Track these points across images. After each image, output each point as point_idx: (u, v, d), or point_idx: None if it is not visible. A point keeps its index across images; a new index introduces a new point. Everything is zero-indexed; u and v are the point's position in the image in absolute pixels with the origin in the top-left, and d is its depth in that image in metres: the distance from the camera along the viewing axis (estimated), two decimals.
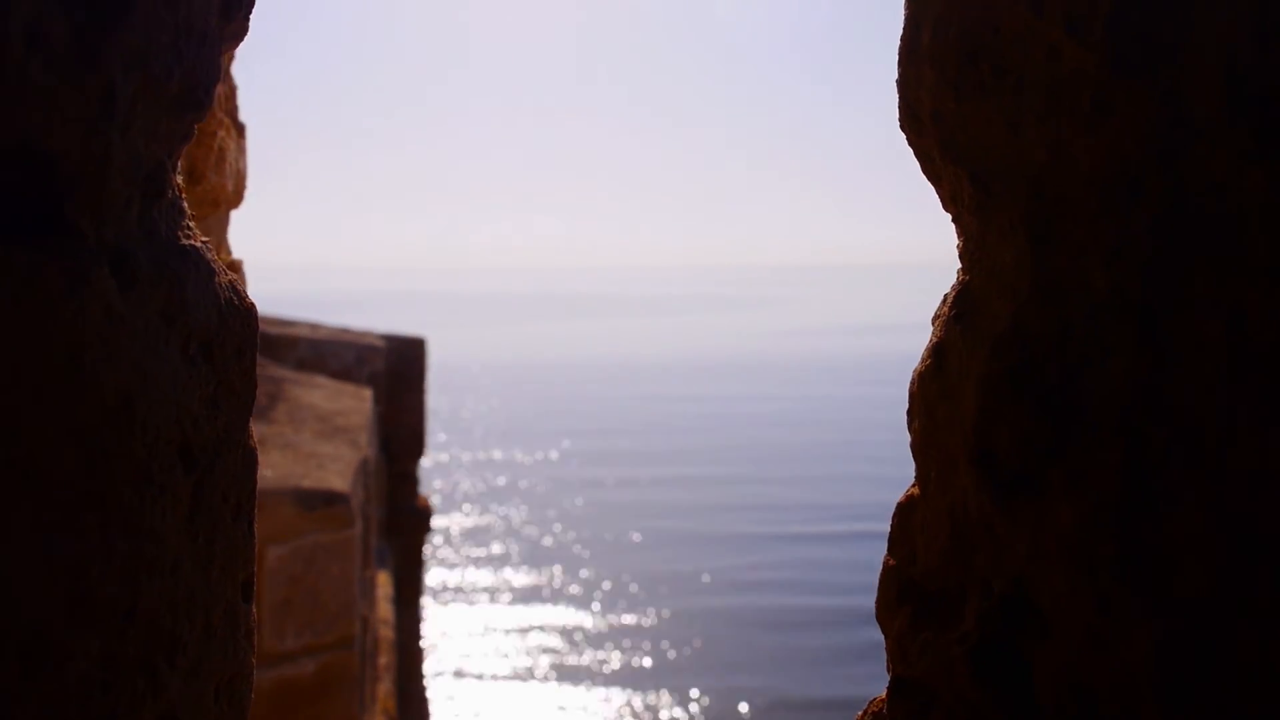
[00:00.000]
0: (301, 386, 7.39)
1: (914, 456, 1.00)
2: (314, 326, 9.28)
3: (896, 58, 0.98)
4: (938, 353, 0.95)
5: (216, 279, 0.86)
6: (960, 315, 0.93)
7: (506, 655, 16.14)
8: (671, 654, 16.09)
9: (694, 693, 14.83)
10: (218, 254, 1.98)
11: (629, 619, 17.54)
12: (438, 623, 16.96)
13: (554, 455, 29.99)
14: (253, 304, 0.92)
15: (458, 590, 18.91)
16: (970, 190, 0.93)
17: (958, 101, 0.92)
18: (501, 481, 27.01)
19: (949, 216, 1.01)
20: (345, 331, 9.57)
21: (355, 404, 7.24)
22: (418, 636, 9.86)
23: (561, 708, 14.59)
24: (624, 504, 24.35)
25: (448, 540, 21.44)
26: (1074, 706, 0.86)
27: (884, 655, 1.11)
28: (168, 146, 0.83)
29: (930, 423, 0.96)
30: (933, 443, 0.96)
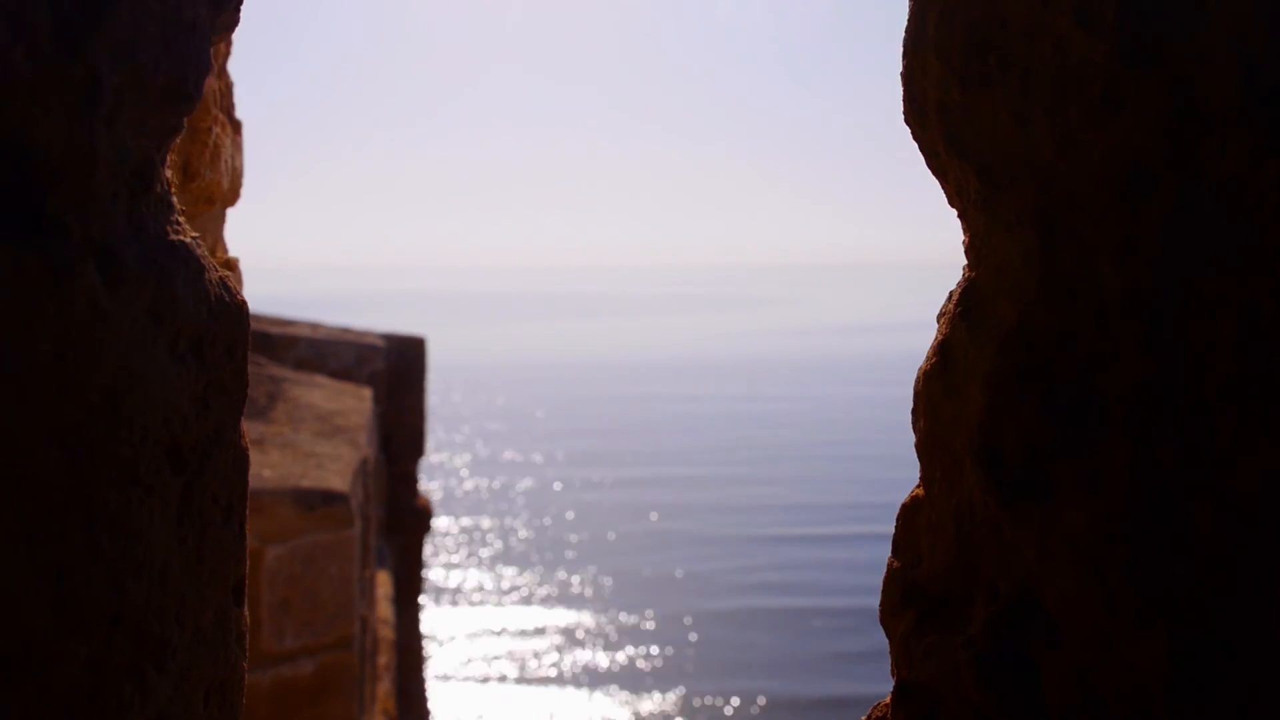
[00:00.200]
0: (301, 386, 7.37)
1: (918, 457, 0.98)
2: (314, 326, 9.27)
3: (901, 50, 0.96)
4: (943, 351, 0.93)
5: (206, 275, 0.84)
6: (966, 312, 0.91)
7: (506, 657, 16.12)
8: (671, 656, 16.07)
9: (695, 695, 14.81)
10: (214, 252, 1.96)
11: (629, 620, 17.52)
12: (438, 625, 16.95)
13: (554, 456, 29.97)
14: (244, 301, 0.90)
15: (456, 592, 18.90)
16: (976, 185, 0.91)
17: (964, 94, 0.90)
18: (500, 482, 27.00)
19: (950, 215, 0.99)
20: (345, 331, 9.55)
21: (355, 404, 7.22)
22: (418, 636, 9.85)
23: (561, 710, 14.56)
24: (625, 505, 24.33)
25: (447, 541, 21.43)
26: (1083, 712, 0.84)
27: (887, 659, 1.10)
28: (156, 140, 0.81)
29: (935, 422, 0.94)
30: (938, 443, 0.94)
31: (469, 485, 26.50)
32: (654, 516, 23.09)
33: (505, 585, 19.12)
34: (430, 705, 9.68)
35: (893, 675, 1.00)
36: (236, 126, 2.02)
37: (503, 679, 15.35)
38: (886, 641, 1.06)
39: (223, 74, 1.90)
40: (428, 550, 10.24)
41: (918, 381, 0.97)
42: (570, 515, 23.46)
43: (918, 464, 1.01)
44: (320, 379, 7.87)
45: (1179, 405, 0.80)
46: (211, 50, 1.46)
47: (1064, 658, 0.85)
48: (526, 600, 18.43)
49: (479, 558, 20.65)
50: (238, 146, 1.99)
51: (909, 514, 0.99)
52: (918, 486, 0.99)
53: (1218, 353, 0.78)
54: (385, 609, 7.62)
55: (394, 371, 9.38)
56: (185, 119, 0.83)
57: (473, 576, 19.50)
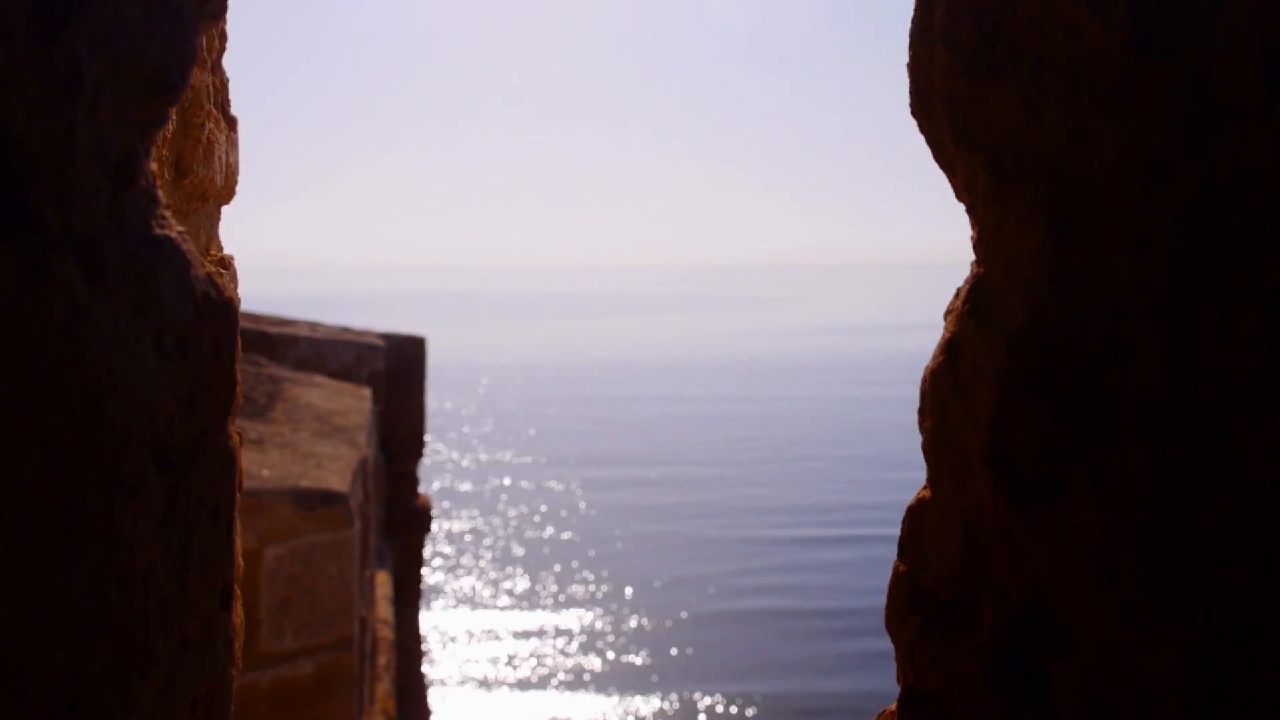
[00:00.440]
0: (300, 386, 7.36)
1: (925, 458, 0.95)
2: (313, 326, 9.25)
3: (907, 41, 0.94)
4: (951, 349, 0.91)
5: (192, 271, 0.82)
6: (975, 309, 0.89)
7: (504, 660, 16.09)
8: (673, 659, 16.03)
9: (697, 698, 14.77)
10: (208, 250, 1.93)
11: (630, 623, 17.48)
12: (437, 627, 16.92)
13: (553, 457, 29.94)
14: (232, 298, 0.87)
15: (456, 594, 18.87)
16: (986, 178, 0.88)
17: (972, 85, 0.87)
18: (499, 483, 26.98)
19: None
20: (345, 331, 9.53)
21: (354, 403, 7.20)
22: (417, 636, 9.83)
23: (559, 713, 14.53)
24: (624, 506, 24.30)
25: (445, 542, 21.39)
26: None
27: (890, 662, 1.07)
28: (139, 132, 0.78)
29: (943, 422, 0.92)
30: (945, 443, 0.92)
31: (468, 486, 26.47)
32: (653, 518, 23.06)
33: (503, 587, 19.09)
34: (430, 706, 9.66)
35: (899, 682, 0.97)
36: (232, 123, 2.00)
37: (501, 682, 15.32)
38: (889, 645, 1.03)
39: (218, 69, 1.88)
40: (427, 551, 10.22)
41: (924, 381, 0.94)
42: (569, 517, 23.43)
43: (920, 465, 0.98)
44: (319, 379, 7.86)
45: (1196, 404, 0.77)
46: (200, 41, 1.43)
47: (1076, 665, 0.83)
48: (525, 603, 18.40)
49: (478, 559, 20.62)
50: (233, 143, 1.96)
51: (915, 516, 0.96)
52: (924, 488, 0.96)
53: (1236, 350, 0.76)
54: (385, 609, 7.60)
55: (393, 371, 9.36)
56: (171, 110, 0.81)
57: (471, 578, 19.47)
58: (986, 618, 0.88)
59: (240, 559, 1.79)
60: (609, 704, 14.78)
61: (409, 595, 9.50)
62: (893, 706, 1.00)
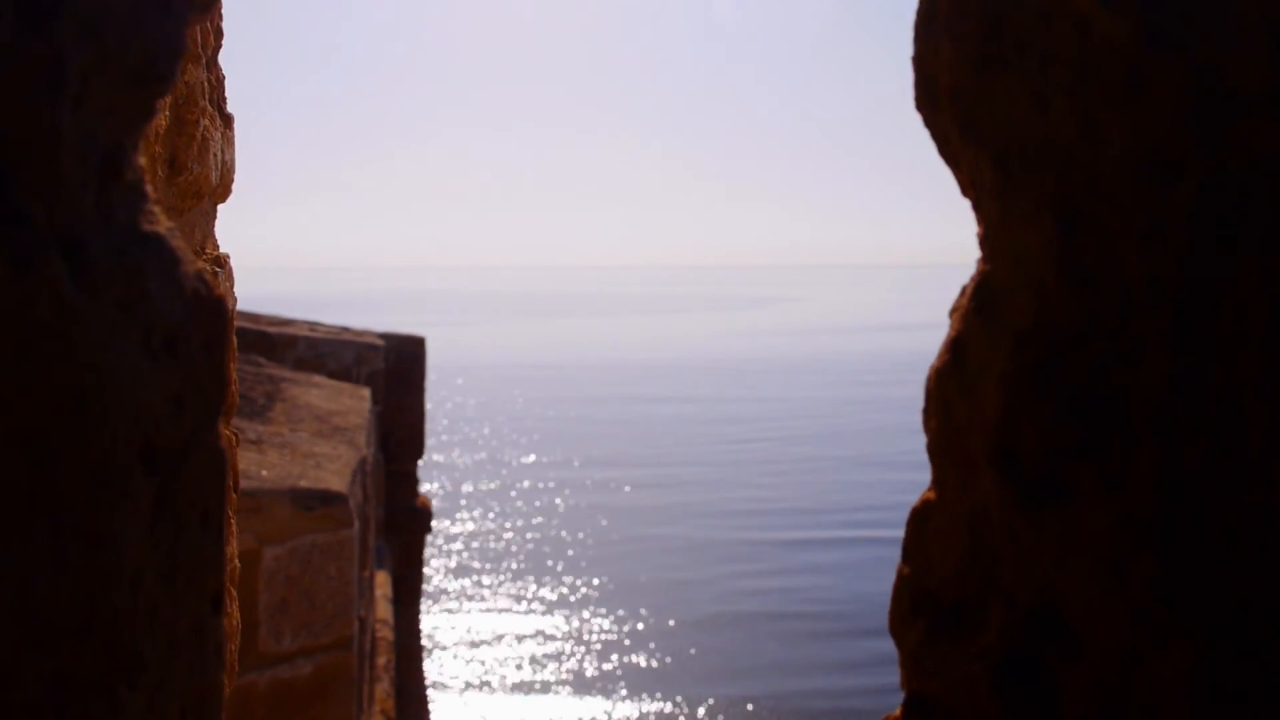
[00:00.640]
0: (300, 386, 7.34)
1: (930, 458, 0.94)
2: (312, 326, 9.23)
3: (912, 34, 0.92)
4: (956, 348, 0.89)
5: (182, 268, 0.80)
6: (981, 307, 0.87)
7: (501, 663, 16.05)
8: (673, 662, 16.00)
9: (697, 701, 14.73)
10: (204, 248, 1.92)
11: (630, 625, 17.45)
12: (437, 629, 16.88)
13: (552, 458, 29.91)
14: (223, 295, 0.86)
15: (455, 595, 18.83)
16: (992, 172, 0.86)
17: (978, 78, 0.85)
18: (497, 484, 26.94)
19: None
20: (344, 330, 9.52)
21: (354, 403, 7.19)
22: (417, 636, 9.82)
23: (557, 716, 14.49)
24: (623, 507, 24.26)
25: (443, 543, 21.35)
26: None
27: (891, 666, 1.05)
28: (127, 125, 0.77)
29: (948, 422, 0.90)
30: (951, 444, 0.90)
31: (466, 487, 26.44)
32: (653, 519, 23.02)
33: (501, 589, 19.05)
34: (429, 706, 9.64)
35: (902, 687, 0.96)
36: (228, 120, 1.98)
37: (499, 685, 15.28)
38: (891, 648, 1.01)
39: (213, 66, 1.86)
40: (426, 552, 10.20)
41: (929, 380, 0.93)
42: (568, 518, 23.39)
43: (922, 465, 0.96)
44: (319, 379, 7.84)
45: (1208, 404, 0.75)
46: (194, 33, 1.41)
47: (1084, 670, 0.81)
48: (523, 605, 18.37)
49: (475, 561, 20.59)
50: (229, 141, 1.94)
51: (919, 518, 0.95)
52: (929, 489, 0.95)
53: (1249, 347, 0.74)
54: (384, 609, 7.59)
55: (393, 371, 9.34)
56: (159, 103, 0.79)
57: (470, 580, 19.44)
58: (993, 621, 0.86)
59: (236, 560, 1.77)
60: (609, 707, 14.75)
61: (408, 595, 9.49)
62: (897, 711, 0.98)
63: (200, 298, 0.82)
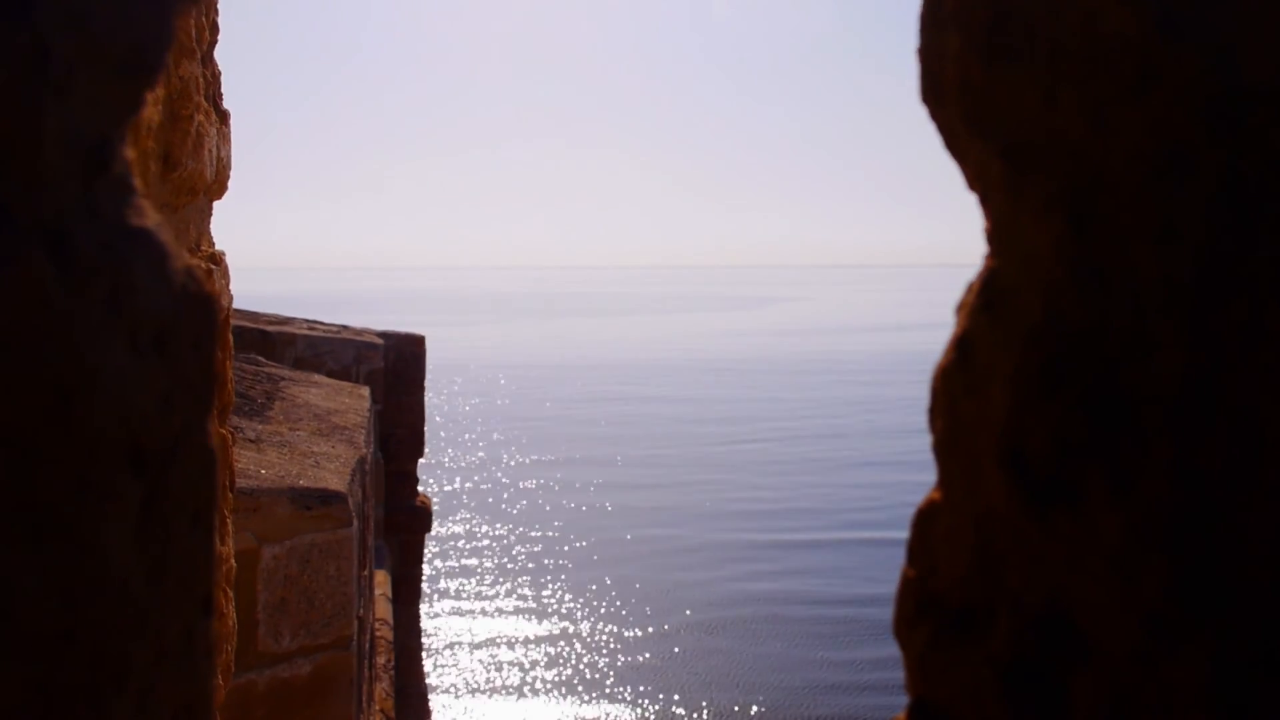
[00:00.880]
0: (299, 385, 7.32)
1: (936, 458, 0.92)
2: (312, 324, 9.21)
3: (918, 25, 0.90)
4: (963, 346, 0.87)
5: (170, 263, 0.78)
6: (988, 304, 0.85)
7: (499, 666, 16.00)
8: (674, 665, 15.96)
9: (698, 704, 14.69)
10: (199, 245, 1.90)
11: (630, 628, 17.41)
12: (436, 632, 16.85)
13: (551, 458, 29.86)
14: (214, 291, 0.84)
15: (454, 597, 18.78)
16: (999, 167, 0.85)
17: (986, 70, 0.84)
18: (495, 485, 26.89)
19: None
20: (344, 329, 9.50)
21: (353, 402, 7.17)
22: (417, 636, 9.80)
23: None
24: (626, 508, 24.22)
25: (442, 545, 21.30)
26: None
27: (892, 669, 1.04)
28: (114, 117, 0.75)
29: (954, 422, 0.88)
30: (957, 444, 0.88)
31: (464, 488, 26.40)
32: (653, 521, 22.97)
33: (501, 591, 19.00)
34: (429, 706, 9.63)
35: (907, 692, 0.94)
36: (224, 117, 1.96)
37: (495, 688, 15.24)
38: (893, 652, 1.00)
39: (209, 62, 1.84)
40: (425, 552, 10.19)
41: (935, 379, 0.91)
42: (566, 520, 23.33)
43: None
44: (318, 378, 7.83)
45: (1223, 403, 0.73)
46: (184, 26, 1.39)
47: (1095, 676, 0.79)
48: (521, 607, 18.32)
49: (472, 561, 20.54)
50: (224, 137, 1.92)
51: (925, 519, 0.93)
52: (935, 490, 0.93)
53: (1264, 346, 0.72)
54: (384, 608, 7.58)
55: (393, 370, 9.32)
56: (147, 94, 0.77)
57: (470, 581, 19.38)
58: (1000, 625, 0.84)
59: (233, 561, 1.75)
60: (608, 711, 14.70)
61: (408, 594, 9.47)
62: (901, 716, 0.97)
63: (190, 294, 0.80)
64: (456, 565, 20.14)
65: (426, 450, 9.72)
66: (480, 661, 16.02)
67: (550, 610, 17.99)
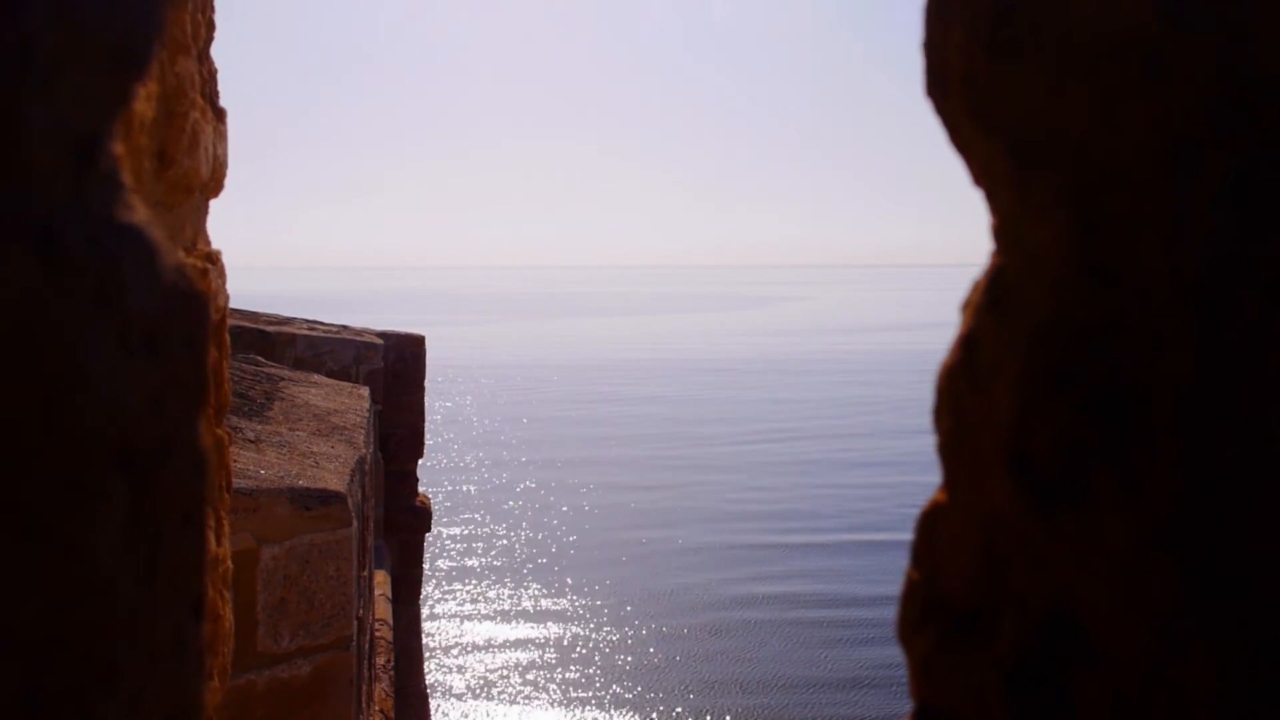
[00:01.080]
0: (299, 385, 7.31)
1: (940, 459, 0.90)
2: (311, 324, 9.20)
3: (923, 16, 0.89)
4: (968, 344, 0.86)
5: (160, 260, 0.77)
6: (994, 302, 0.84)
7: (497, 669, 15.96)
8: (674, 669, 15.92)
9: (699, 709, 14.64)
10: (195, 244, 1.88)
11: (630, 630, 17.37)
12: (434, 635, 16.80)
13: (550, 459, 29.83)
14: (205, 289, 0.82)
15: (453, 599, 18.73)
16: (1006, 162, 0.83)
17: (991, 63, 0.82)
18: (494, 485, 26.85)
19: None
20: (343, 329, 9.49)
21: (353, 402, 7.16)
22: (417, 636, 9.78)
23: None
24: (625, 510, 24.18)
25: (439, 546, 21.25)
26: None
27: (892, 673, 1.03)
28: (102, 111, 0.73)
29: (959, 422, 0.86)
30: (962, 444, 0.86)
31: (462, 488, 26.36)
32: (653, 523, 22.93)
33: (501, 593, 18.96)
34: (429, 706, 9.62)
35: (911, 697, 0.92)
36: (220, 114, 1.95)
37: (492, 691, 15.19)
38: (892, 656, 0.99)
39: (205, 59, 1.82)
40: (425, 553, 10.18)
41: (939, 378, 0.89)
42: (566, 521, 23.29)
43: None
44: (318, 378, 7.81)
45: (1233, 403, 0.72)
46: (179, 20, 1.37)
47: (1102, 681, 0.78)
48: (518, 609, 18.27)
49: (470, 561, 20.49)
50: (221, 135, 1.91)
51: (930, 521, 0.91)
52: (939, 491, 0.91)
53: (1278, 343, 0.71)
54: (383, 609, 7.57)
55: (393, 370, 9.31)
56: (136, 88, 0.76)
57: (465, 584, 19.33)
58: (1006, 629, 0.83)
59: (229, 562, 1.73)
60: (609, 713, 14.67)
61: (408, 594, 9.46)
62: None
63: (181, 291, 0.78)
64: (453, 567, 20.10)
65: (426, 450, 9.70)
66: (480, 664, 15.99)
67: (551, 612, 17.95)
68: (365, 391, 7.43)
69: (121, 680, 0.74)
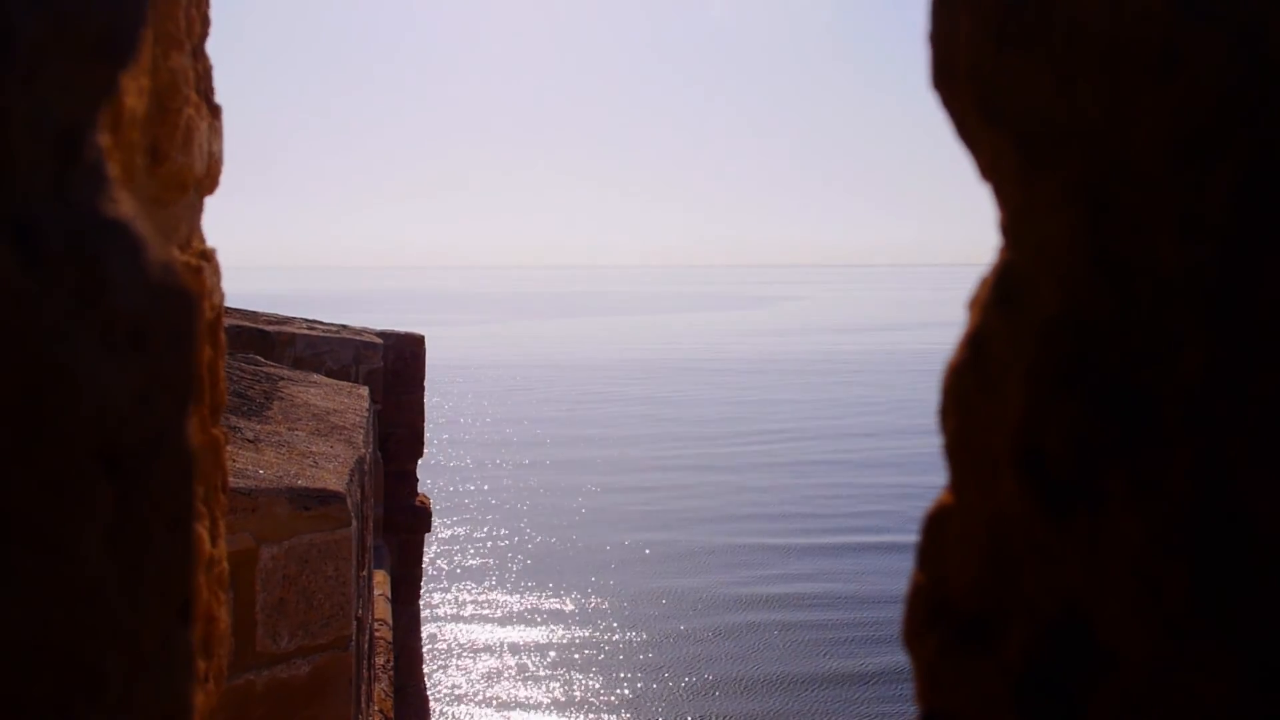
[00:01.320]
0: (298, 385, 7.29)
1: (947, 459, 0.88)
2: (311, 324, 9.18)
3: (929, 7, 0.87)
4: (976, 342, 0.84)
5: (147, 256, 0.75)
6: (1003, 299, 0.82)
7: (495, 672, 15.92)
8: (675, 671, 15.89)
9: (700, 713, 14.60)
10: (189, 242, 1.86)
11: (634, 633, 17.33)
12: (433, 637, 16.78)
13: (551, 458, 29.81)
14: (194, 287, 0.80)
15: (452, 601, 18.70)
16: (1014, 156, 0.81)
17: (1000, 54, 0.80)
18: (493, 486, 26.83)
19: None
20: (343, 329, 9.47)
21: (352, 402, 7.14)
22: (417, 636, 9.77)
23: None
24: (624, 511, 24.15)
25: (438, 548, 21.22)
26: None
27: (896, 677, 1.01)
28: (86, 102, 0.71)
29: (966, 422, 0.85)
30: (969, 444, 0.85)
31: (461, 489, 26.34)
32: (654, 524, 22.89)
33: (496, 595, 18.92)
34: (428, 706, 9.60)
35: (917, 702, 0.90)
36: (215, 111, 1.92)
37: (491, 694, 15.16)
38: (898, 660, 0.97)
39: (199, 54, 1.80)
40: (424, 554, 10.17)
41: (946, 377, 0.87)
42: (567, 522, 23.25)
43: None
44: (317, 377, 7.80)
45: (1249, 401, 0.70)
46: (174, 14, 1.35)
47: (1114, 686, 0.76)
48: (517, 611, 18.23)
49: (469, 562, 20.46)
50: (216, 132, 1.89)
51: (936, 523, 0.89)
52: (946, 492, 0.89)
53: None
54: (383, 609, 7.55)
55: (392, 369, 9.30)
56: (120, 78, 0.74)
57: (464, 586, 19.29)
58: (1015, 634, 0.81)
59: (225, 563, 1.71)
60: (610, 715, 14.64)
61: (408, 595, 9.44)
62: None
63: (168, 288, 0.76)
64: (451, 569, 20.06)
65: (426, 450, 9.68)
66: (481, 664, 15.97)
67: (552, 612, 17.93)
68: (365, 391, 7.41)
69: (107, 685, 0.72)
